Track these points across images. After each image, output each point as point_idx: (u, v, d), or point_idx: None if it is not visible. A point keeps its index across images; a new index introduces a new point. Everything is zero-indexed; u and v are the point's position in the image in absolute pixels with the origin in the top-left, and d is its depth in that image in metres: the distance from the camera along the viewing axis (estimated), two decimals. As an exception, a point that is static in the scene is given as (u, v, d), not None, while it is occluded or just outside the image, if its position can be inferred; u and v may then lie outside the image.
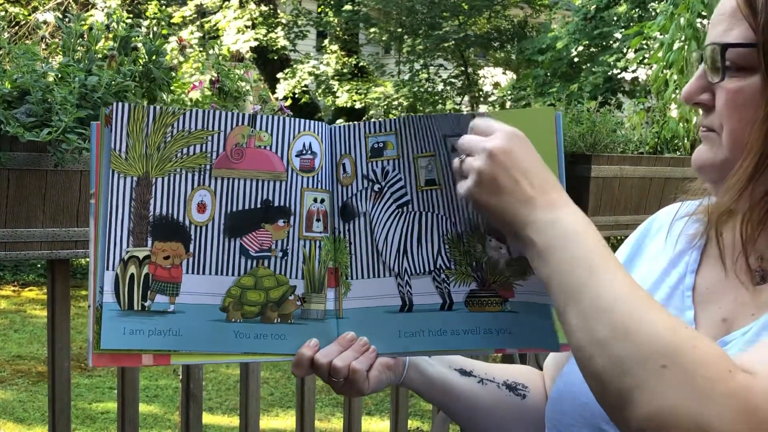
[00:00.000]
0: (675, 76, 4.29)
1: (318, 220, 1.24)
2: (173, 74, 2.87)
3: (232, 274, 1.22)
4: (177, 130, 1.19)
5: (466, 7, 15.43)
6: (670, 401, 0.87)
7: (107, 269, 1.17)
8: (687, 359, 0.88)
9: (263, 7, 15.67)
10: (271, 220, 1.22)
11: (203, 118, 1.19)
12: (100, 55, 2.71)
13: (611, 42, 11.76)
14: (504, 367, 1.45)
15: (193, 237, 1.20)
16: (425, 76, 16.37)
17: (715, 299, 1.18)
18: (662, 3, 4.95)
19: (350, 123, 1.24)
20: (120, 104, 1.17)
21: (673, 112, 4.27)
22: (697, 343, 0.90)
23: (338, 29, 17.05)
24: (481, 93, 16.39)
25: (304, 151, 1.23)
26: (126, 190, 1.18)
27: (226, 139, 1.20)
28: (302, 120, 1.24)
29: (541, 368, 1.47)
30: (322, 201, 1.24)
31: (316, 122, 1.24)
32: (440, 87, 16.41)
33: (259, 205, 1.22)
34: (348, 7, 16.17)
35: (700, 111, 1.18)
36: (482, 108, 15.66)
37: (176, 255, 1.20)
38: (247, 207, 1.22)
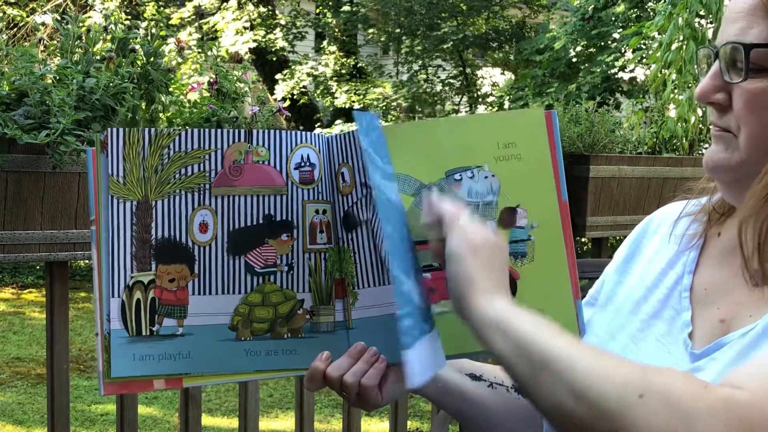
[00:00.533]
0: (673, 76, 4.29)
1: (321, 231, 1.24)
2: (171, 76, 2.87)
3: (239, 292, 1.22)
4: (173, 151, 1.18)
5: (464, 7, 15.42)
6: (657, 427, 0.88)
7: (113, 296, 1.16)
8: (660, 384, 0.91)
9: (261, 9, 15.66)
10: (274, 234, 1.22)
11: (199, 138, 1.19)
12: (98, 57, 2.71)
13: (609, 42, 11.75)
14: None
15: (197, 258, 1.20)
16: (424, 76, 16.36)
17: (713, 300, 1.17)
18: (660, 3, 4.95)
19: (346, 132, 1.24)
20: (114, 129, 1.17)
21: (672, 112, 4.27)
22: (661, 371, 0.93)
23: (337, 30, 17.03)
24: (479, 93, 16.39)
25: (303, 164, 1.23)
26: (126, 215, 1.18)
27: (224, 156, 1.20)
28: (298, 132, 1.24)
29: None
30: (324, 212, 1.24)
31: (313, 133, 1.24)
32: (439, 87, 16.40)
33: (261, 221, 1.22)
34: (346, 8, 16.16)
35: (709, 112, 1.15)
36: (480, 109, 15.66)
37: (181, 277, 1.20)
38: (249, 223, 1.22)
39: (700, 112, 4.05)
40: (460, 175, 1.25)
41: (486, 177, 1.25)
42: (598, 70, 11.35)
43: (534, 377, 0.97)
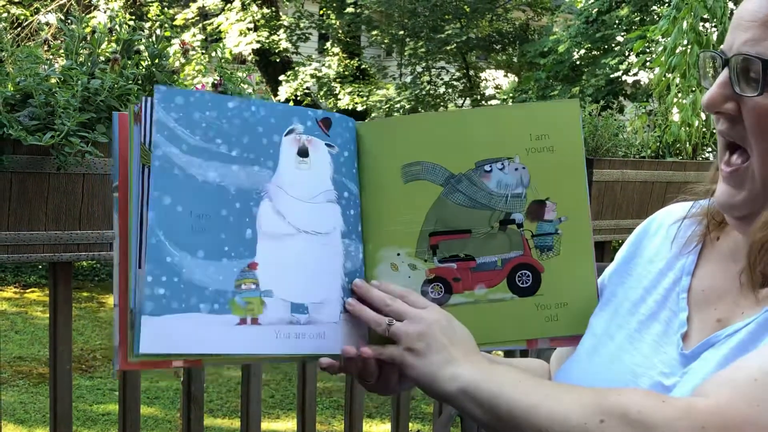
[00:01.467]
0: (677, 80, 4.29)
1: None
2: (176, 77, 2.87)
3: None
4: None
5: (467, 9, 15.42)
6: None
7: (139, 267, 1.11)
8: (617, 406, 0.96)
9: (265, 10, 15.67)
10: None
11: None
12: (102, 58, 2.72)
13: (613, 45, 11.75)
14: (513, 361, 1.46)
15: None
16: (427, 78, 16.37)
17: (711, 301, 1.17)
18: (665, 7, 4.95)
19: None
20: (149, 99, 1.15)
21: (675, 116, 4.26)
22: (620, 391, 1.00)
23: (340, 32, 17.04)
24: (482, 96, 16.39)
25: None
26: None
27: None
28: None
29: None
30: None
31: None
32: (442, 90, 16.40)
33: None
34: (350, 9, 16.16)
35: (717, 121, 1.13)
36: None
37: None
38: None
39: (703, 116, 4.05)
40: (490, 166, 1.25)
41: (516, 169, 1.26)
42: (602, 73, 11.35)
43: (508, 430, 1.04)
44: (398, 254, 1.26)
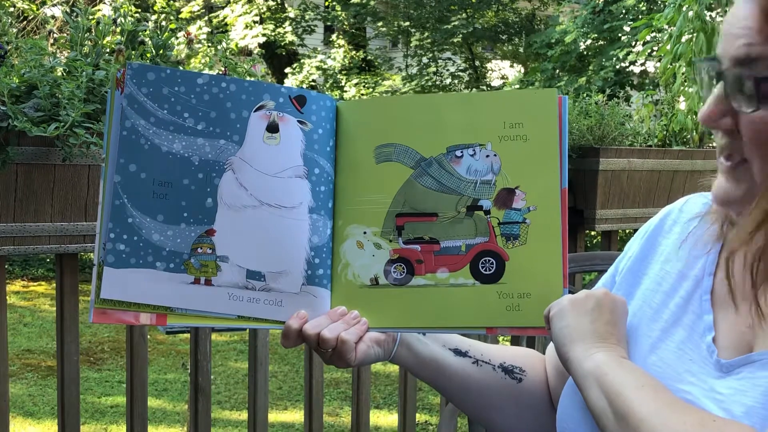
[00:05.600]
0: (683, 69, 4.27)
1: None
2: (180, 68, 2.87)
3: None
4: None
5: (473, 0, 15.40)
6: None
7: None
8: None
9: (271, 2, 15.66)
10: None
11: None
12: (107, 50, 2.71)
13: (620, 35, 11.71)
14: (503, 349, 1.44)
15: None
16: (433, 69, 16.35)
17: (736, 301, 1.12)
18: (671, -5, 4.93)
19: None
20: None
21: (682, 104, 4.25)
22: (727, 425, 0.94)
23: (346, 23, 17.02)
24: (489, 86, 16.36)
25: None
26: None
27: None
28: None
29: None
30: None
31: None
32: (448, 80, 16.38)
33: None
34: (355, 0, 16.14)
35: (720, 134, 1.08)
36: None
37: None
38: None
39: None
40: (462, 151, 1.25)
41: (488, 156, 1.25)
42: (609, 63, 11.32)
43: (616, 429, 1.01)
44: (364, 232, 1.28)
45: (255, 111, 1.25)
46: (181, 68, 2.83)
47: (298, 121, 1.27)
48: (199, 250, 1.24)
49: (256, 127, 1.25)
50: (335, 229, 1.29)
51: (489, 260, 1.24)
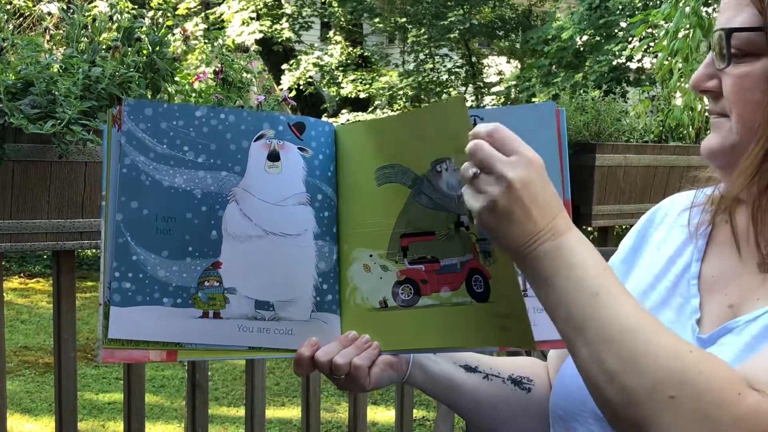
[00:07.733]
0: (680, 64, 4.28)
1: None
2: (177, 65, 2.87)
3: None
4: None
5: (470, -4, 15.40)
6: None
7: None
8: (693, 387, 0.89)
9: (267, -2, 15.65)
10: None
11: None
12: (103, 46, 2.71)
13: (616, 31, 11.72)
14: (510, 361, 1.45)
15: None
16: (430, 65, 16.33)
17: (721, 286, 1.17)
18: (667, -9, 4.93)
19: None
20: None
21: (678, 100, 4.26)
22: (702, 368, 0.91)
23: (342, 20, 17.00)
24: (485, 82, 16.36)
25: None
26: None
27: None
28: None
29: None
30: None
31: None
32: (445, 77, 16.37)
33: None
34: (352, -4, 16.13)
35: (707, 99, 1.18)
36: (487, 99, 15.62)
37: None
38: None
39: (706, 100, 4.04)
40: (440, 166, 1.19)
41: (455, 169, 1.17)
42: (605, 59, 11.32)
43: (575, 343, 0.98)
44: (371, 255, 1.26)
45: (255, 140, 1.23)
46: (176, 64, 2.84)
47: (299, 148, 1.25)
48: (206, 284, 1.22)
49: (257, 157, 1.23)
50: (341, 254, 1.28)
51: (478, 278, 1.19)
